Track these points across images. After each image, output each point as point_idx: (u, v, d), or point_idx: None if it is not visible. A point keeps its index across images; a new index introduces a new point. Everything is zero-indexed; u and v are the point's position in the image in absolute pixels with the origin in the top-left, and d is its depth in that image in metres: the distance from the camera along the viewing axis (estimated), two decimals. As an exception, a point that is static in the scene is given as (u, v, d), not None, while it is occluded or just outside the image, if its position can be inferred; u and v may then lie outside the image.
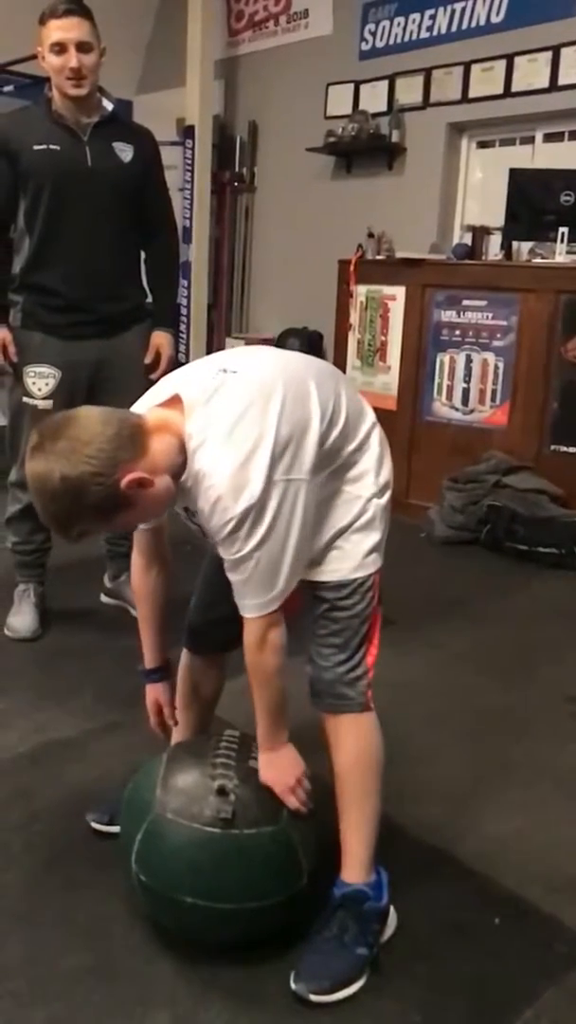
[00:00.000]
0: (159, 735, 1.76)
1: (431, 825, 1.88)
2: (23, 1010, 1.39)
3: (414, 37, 5.01)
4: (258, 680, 1.43)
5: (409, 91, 5.05)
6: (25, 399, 2.64)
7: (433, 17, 4.91)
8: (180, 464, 1.34)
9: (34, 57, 2.50)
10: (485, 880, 1.73)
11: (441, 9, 4.86)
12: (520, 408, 4.04)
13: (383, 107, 5.16)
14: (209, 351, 6.07)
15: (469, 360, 4.18)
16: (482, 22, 4.70)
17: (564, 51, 4.37)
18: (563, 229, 3.93)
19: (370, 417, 1.52)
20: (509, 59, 4.59)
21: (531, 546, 3.70)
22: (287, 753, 1.50)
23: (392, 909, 1.55)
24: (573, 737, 2.32)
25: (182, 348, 5.74)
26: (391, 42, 5.14)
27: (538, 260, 4.12)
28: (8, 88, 5.35)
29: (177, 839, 1.42)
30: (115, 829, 1.66)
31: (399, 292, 4.41)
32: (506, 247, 4.26)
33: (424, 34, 4.97)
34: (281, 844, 1.45)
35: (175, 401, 1.37)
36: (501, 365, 4.08)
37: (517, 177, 4.14)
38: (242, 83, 6.10)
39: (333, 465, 1.43)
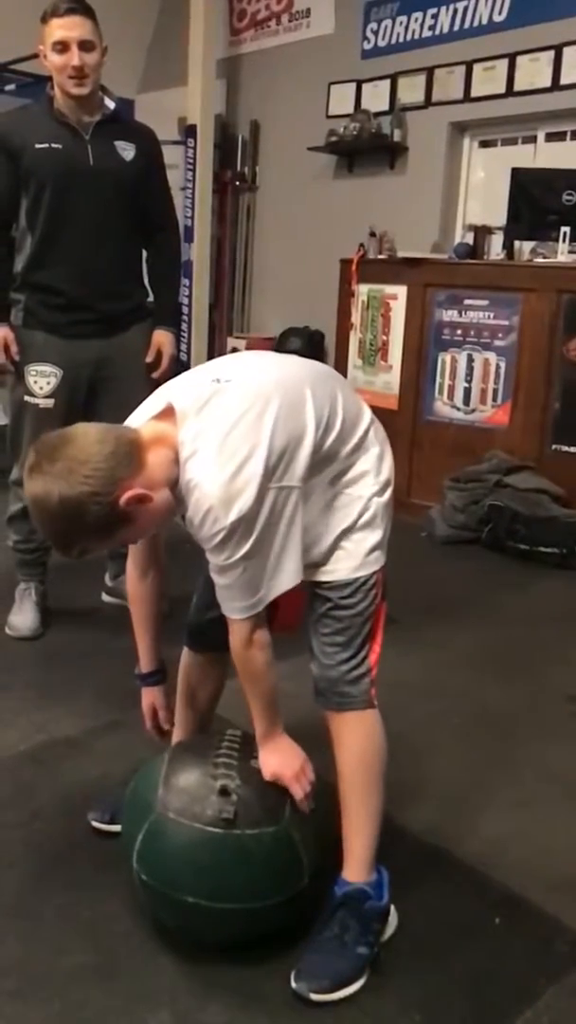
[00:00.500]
0: (155, 738, 1.76)
1: (431, 825, 1.88)
2: (23, 1009, 1.39)
3: (416, 36, 5.01)
4: (250, 677, 1.44)
5: (411, 90, 5.05)
6: (26, 398, 2.64)
7: (435, 16, 4.91)
8: (177, 475, 1.34)
9: (36, 56, 2.50)
10: (485, 880, 1.73)
11: (443, 8, 4.86)
12: (521, 408, 4.04)
13: (385, 106, 5.16)
14: (210, 350, 6.07)
15: (470, 360, 4.18)
16: (484, 21, 4.70)
17: (566, 50, 4.37)
18: (565, 229, 3.93)
19: (367, 416, 1.52)
20: (511, 58, 4.59)
21: (532, 546, 3.70)
22: (286, 740, 1.51)
23: (393, 909, 1.55)
24: (574, 737, 2.32)
25: (183, 347, 5.74)
26: (393, 41, 5.13)
27: (540, 260, 4.12)
28: (10, 87, 5.35)
29: (179, 839, 1.42)
30: (116, 828, 1.66)
31: (401, 291, 4.41)
32: (508, 247, 4.25)
33: (426, 33, 4.97)
34: (283, 844, 1.45)
35: (169, 412, 1.36)
36: (503, 365, 4.08)
37: (519, 177, 4.14)
38: (244, 82, 6.10)
39: (329, 469, 1.43)
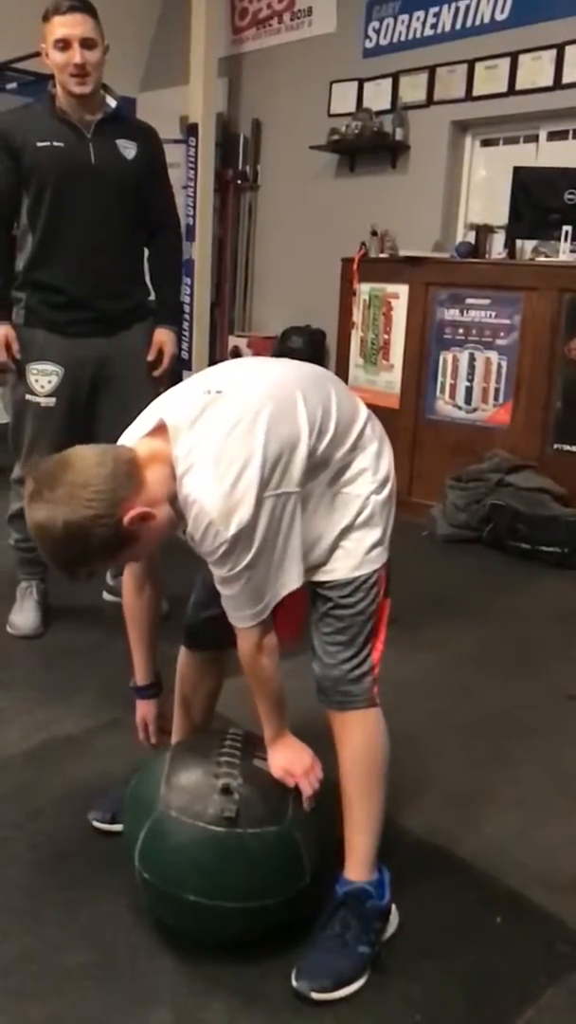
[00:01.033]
0: (147, 746, 1.76)
1: (432, 824, 1.88)
2: (24, 1007, 1.39)
3: (418, 35, 5.00)
4: (259, 681, 1.45)
5: (413, 89, 5.04)
6: (28, 397, 2.63)
7: (437, 15, 4.90)
8: (176, 491, 1.34)
9: (37, 54, 2.50)
10: (486, 879, 1.73)
11: (445, 7, 4.85)
12: (523, 407, 4.04)
13: (387, 105, 5.15)
14: (211, 349, 6.07)
15: (472, 359, 4.18)
16: (486, 20, 4.69)
17: (568, 49, 4.36)
18: (567, 228, 3.92)
19: (363, 414, 1.51)
20: (513, 57, 4.57)
21: (534, 545, 3.70)
22: (295, 739, 1.52)
23: (394, 908, 1.55)
24: None
25: (185, 346, 5.74)
26: (395, 40, 5.13)
27: (542, 259, 4.12)
28: (11, 85, 5.35)
29: (181, 837, 1.42)
30: (116, 828, 1.67)
31: (402, 290, 4.40)
32: (510, 245, 4.26)
33: (428, 32, 4.96)
34: (285, 843, 1.45)
35: (161, 428, 1.36)
36: (504, 364, 4.07)
37: (521, 175, 4.13)
38: (246, 81, 6.10)
39: (325, 471, 1.42)
